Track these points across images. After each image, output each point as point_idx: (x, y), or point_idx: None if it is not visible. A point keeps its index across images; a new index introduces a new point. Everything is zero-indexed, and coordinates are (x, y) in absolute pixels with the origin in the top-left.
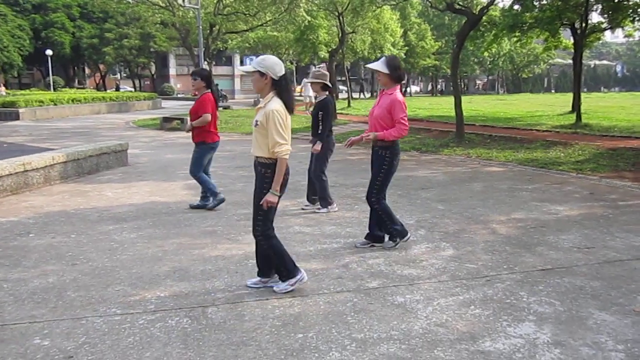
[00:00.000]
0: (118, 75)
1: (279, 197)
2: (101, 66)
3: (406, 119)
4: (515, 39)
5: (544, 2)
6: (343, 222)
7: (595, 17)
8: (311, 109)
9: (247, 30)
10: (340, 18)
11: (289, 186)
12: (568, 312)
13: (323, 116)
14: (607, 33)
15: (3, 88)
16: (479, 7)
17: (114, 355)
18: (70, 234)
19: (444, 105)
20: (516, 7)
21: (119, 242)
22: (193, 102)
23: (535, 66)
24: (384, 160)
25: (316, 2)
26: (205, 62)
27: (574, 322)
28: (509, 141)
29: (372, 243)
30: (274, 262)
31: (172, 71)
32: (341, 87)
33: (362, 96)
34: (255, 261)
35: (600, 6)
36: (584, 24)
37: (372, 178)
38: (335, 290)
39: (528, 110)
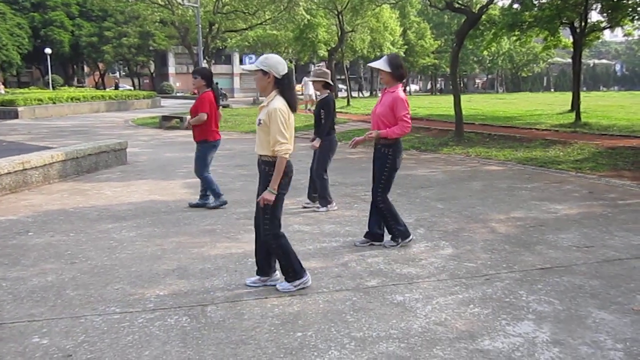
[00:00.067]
0: (117, 74)
1: (283, 195)
2: (100, 65)
3: (409, 116)
4: (514, 37)
5: (544, 1)
6: (342, 221)
7: (594, 16)
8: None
9: (246, 29)
10: (340, 17)
11: None
12: (567, 311)
13: (325, 114)
14: (607, 32)
15: (2, 86)
16: (478, 6)
17: (113, 353)
18: (69, 232)
19: (443, 104)
20: (515, 6)
21: (118, 240)
22: (193, 101)
23: (535, 65)
24: (386, 158)
25: (315, 0)
26: (205, 61)
27: (573, 321)
28: (508, 140)
29: (372, 242)
30: (274, 261)
31: (172, 70)
32: (340, 85)
33: (360, 95)
34: (254, 260)
35: (599, 5)
36: (583, 23)
37: (377, 177)
38: (335, 289)
39: (527, 109)
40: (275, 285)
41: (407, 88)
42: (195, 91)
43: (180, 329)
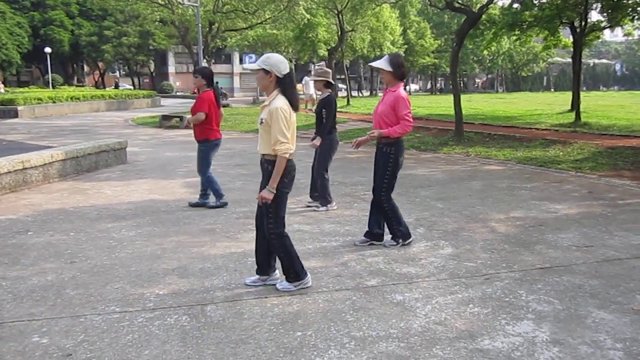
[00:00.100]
0: (117, 73)
1: (287, 193)
2: (100, 64)
3: (410, 115)
4: (514, 37)
5: (544, 0)
6: (342, 221)
7: (594, 16)
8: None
9: (246, 28)
10: (340, 16)
11: None
12: (567, 310)
13: (326, 113)
14: (607, 32)
15: (2, 86)
16: (478, 6)
17: (113, 353)
18: (69, 231)
19: (443, 104)
20: (515, 5)
21: (117, 240)
22: (192, 100)
23: (535, 65)
24: (389, 157)
25: (315, 0)
26: (205, 60)
27: (572, 320)
28: (508, 140)
29: (371, 241)
30: (274, 260)
31: (172, 69)
32: (340, 85)
33: (359, 95)
34: (254, 259)
35: (599, 5)
36: (583, 23)
37: (379, 176)
38: (334, 289)
39: (527, 108)
40: (275, 284)
41: (407, 88)
42: (195, 90)
43: (180, 328)
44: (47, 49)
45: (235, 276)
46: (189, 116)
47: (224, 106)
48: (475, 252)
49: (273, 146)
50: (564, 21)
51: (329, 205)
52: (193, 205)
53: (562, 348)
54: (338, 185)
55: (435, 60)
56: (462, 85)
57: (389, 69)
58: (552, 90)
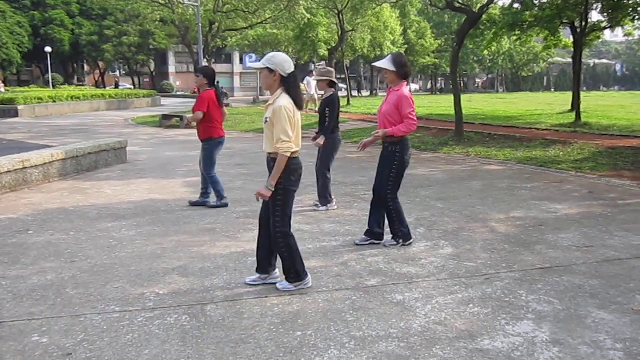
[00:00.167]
0: (117, 73)
1: (294, 192)
2: (100, 63)
3: (414, 114)
4: (515, 37)
5: (544, 0)
6: (342, 220)
7: (595, 16)
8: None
9: (246, 28)
10: (340, 16)
11: None
12: (567, 310)
13: (329, 112)
14: (607, 32)
15: (2, 85)
16: (478, 6)
17: (113, 352)
18: (69, 231)
19: (443, 104)
20: (516, 5)
21: (117, 239)
22: (193, 100)
23: (535, 65)
24: (394, 156)
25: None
26: (205, 60)
27: (572, 320)
28: (508, 140)
29: (371, 240)
30: (275, 259)
31: (172, 69)
32: (340, 85)
33: (359, 94)
34: (255, 258)
35: (600, 5)
36: (583, 23)
37: (385, 176)
38: (334, 288)
39: (527, 108)
40: (275, 283)
41: (408, 87)
42: (196, 90)
43: (180, 327)
44: (48, 49)
45: (235, 276)
46: (189, 115)
47: (224, 106)
48: (476, 252)
49: (275, 144)
50: (564, 21)
51: (329, 205)
52: (193, 204)
53: (562, 348)
54: (338, 185)
55: (436, 60)
56: (462, 85)
57: (392, 68)
58: (553, 90)
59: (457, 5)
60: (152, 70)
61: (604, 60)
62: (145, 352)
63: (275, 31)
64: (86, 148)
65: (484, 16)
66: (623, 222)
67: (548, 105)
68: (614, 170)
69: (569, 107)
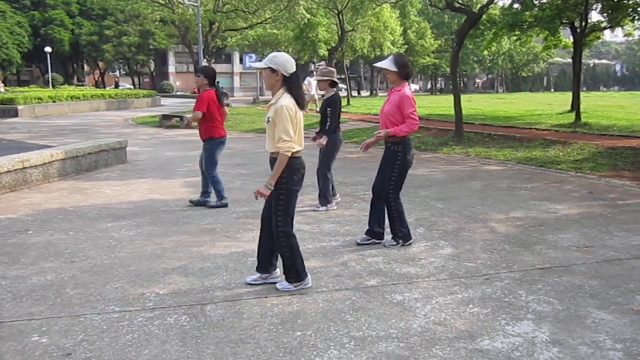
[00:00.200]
0: (117, 73)
1: (297, 191)
2: (100, 63)
3: (416, 113)
4: (514, 37)
5: (544, 0)
6: (342, 220)
7: (594, 16)
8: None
9: (246, 28)
10: (340, 16)
11: None
12: (566, 310)
13: (331, 112)
14: (607, 32)
15: (2, 85)
16: (478, 6)
17: (112, 352)
18: (69, 231)
19: (443, 104)
20: (516, 5)
21: (117, 239)
22: (192, 99)
23: (535, 65)
24: (396, 155)
25: (316, 0)
26: (205, 60)
27: (572, 320)
28: (508, 140)
29: (372, 239)
30: (276, 258)
31: (172, 69)
32: (340, 85)
33: (358, 94)
34: (255, 257)
35: (599, 5)
36: (583, 23)
37: (387, 175)
38: (334, 289)
39: (527, 109)
40: (275, 282)
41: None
42: (196, 90)
43: (180, 328)
44: (47, 49)
45: (235, 276)
46: (189, 115)
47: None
48: (475, 252)
49: (276, 143)
50: (564, 21)
51: (328, 205)
52: (194, 203)
53: (562, 348)
54: (338, 185)
55: (436, 60)
56: (462, 85)
57: (394, 69)
58: (552, 90)
59: (457, 5)
60: (152, 70)
61: (604, 61)
62: (145, 352)
63: (275, 31)
64: (86, 148)
65: (483, 16)
66: (623, 222)
67: (548, 106)
68: (613, 171)
69: (569, 107)
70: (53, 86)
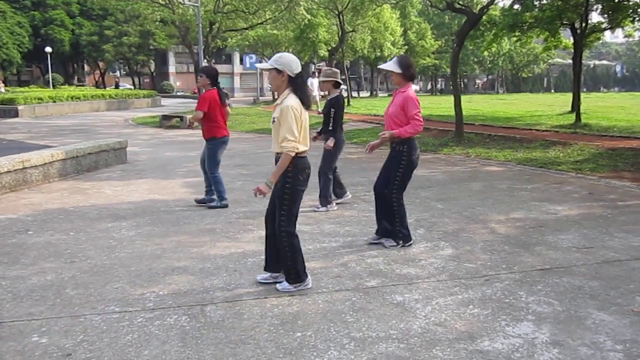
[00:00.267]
0: (117, 73)
1: (302, 191)
2: (100, 64)
3: (420, 114)
4: (515, 38)
5: (544, 1)
6: (342, 221)
7: (595, 17)
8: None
9: (246, 29)
10: (340, 17)
11: None
12: (567, 312)
13: (335, 113)
14: (607, 33)
15: (2, 85)
16: (479, 7)
17: (112, 353)
18: (69, 231)
19: (443, 105)
20: (516, 6)
21: (117, 239)
22: (192, 100)
23: (535, 66)
24: (401, 155)
25: (316, 0)
26: (205, 60)
27: (572, 322)
28: (508, 141)
29: (383, 237)
30: (284, 260)
31: (172, 69)
32: (342, 86)
33: (358, 95)
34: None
35: (600, 6)
36: (583, 24)
37: (392, 176)
38: (334, 289)
39: (527, 109)
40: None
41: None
42: (196, 90)
43: (180, 328)
44: (48, 49)
45: (235, 276)
46: (190, 116)
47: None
48: (475, 253)
49: (280, 143)
50: (564, 22)
51: (329, 206)
52: (199, 201)
53: (562, 349)
54: None
55: (436, 61)
56: (462, 86)
57: (398, 70)
58: (553, 91)
59: (458, 6)
60: (152, 70)
61: (604, 62)
62: (145, 352)
63: (275, 32)
64: (86, 148)
65: (484, 17)
66: (623, 224)
67: (548, 107)
68: (614, 172)
69: (569, 108)
70: (53, 86)
